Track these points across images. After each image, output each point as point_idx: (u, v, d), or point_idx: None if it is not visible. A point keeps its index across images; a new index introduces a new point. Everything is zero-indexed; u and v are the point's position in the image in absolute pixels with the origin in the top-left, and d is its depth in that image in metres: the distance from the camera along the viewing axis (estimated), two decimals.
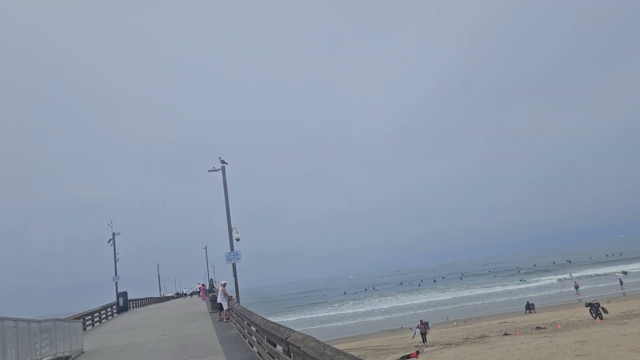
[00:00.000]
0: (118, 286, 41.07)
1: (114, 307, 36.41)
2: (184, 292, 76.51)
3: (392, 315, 57.61)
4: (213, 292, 33.83)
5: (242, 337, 15.80)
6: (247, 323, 14.02)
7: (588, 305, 32.00)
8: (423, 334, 29.47)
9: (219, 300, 20.75)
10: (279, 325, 9.49)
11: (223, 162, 20.79)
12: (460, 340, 28.34)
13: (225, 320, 20.51)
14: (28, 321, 11.39)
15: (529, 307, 43.34)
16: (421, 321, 30.59)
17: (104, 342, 17.98)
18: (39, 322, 12.14)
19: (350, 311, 69.93)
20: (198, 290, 57.01)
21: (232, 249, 20.54)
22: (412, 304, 69.52)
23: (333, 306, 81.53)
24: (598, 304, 31.20)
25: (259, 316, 12.17)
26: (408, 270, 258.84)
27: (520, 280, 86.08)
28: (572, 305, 44.05)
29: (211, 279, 48.07)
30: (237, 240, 20.58)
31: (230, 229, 20.52)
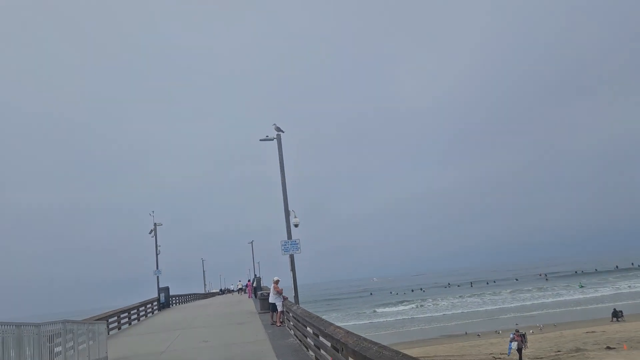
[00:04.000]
0: (160, 281, 38.58)
1: (155, 303, 33.77)
2: (230, 289, 74.00)
3: (454, 320, 53.06)
4: (261, 289, 30.57)
5: (304, 348, 12.24)
6: (315, 333, 10.42)
7: None
8: (520, 350, 23.68)
9: (271, 300, 17.25)
10: (375, 344, 5.87)
11: (279, 129, 17.26)
12: (553, 354, 23.84)
13: (279, 324, 17.00)
14: (18, 325, 8.08)
15: (617, 315, 37.98)
16: (517, 331, 24.93)
17: (134, 349, 14.77)
18: (37, 325, 8.83)
19: (406, 312, 65.71)
20: (244, 286, 54.19)
21: (289, 237, 16.98)
22: (467, 309, 64.66)
23: (393, 307, 77.35)
24: None
25: (336, 326, 8.53)
26: (447, 272, 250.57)
27: (580, 286, 78.91)
28: None
29: (257, 276, 44.98)
30: (296, 226, 17.02)
31: (287, 212, 16.96)
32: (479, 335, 37.90)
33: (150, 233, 38.39)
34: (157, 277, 38.28)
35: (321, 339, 9.96)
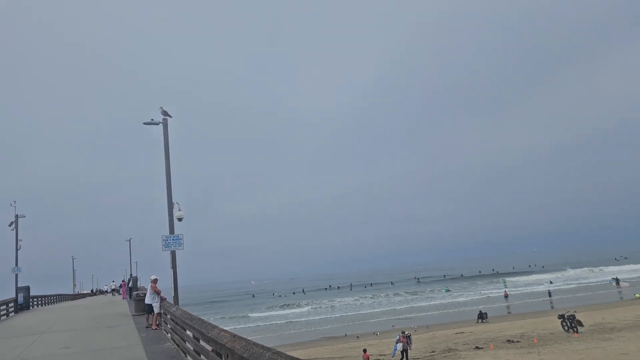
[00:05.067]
0: (20, 280, 34.41)
1: (11, 304, 29.81)
2: (104, 290, 68.54)
3: (336, 323, 53.81)
4: (138, 290, 28.29)
5: (181, 353, 11.09)
6: (196, 337, 9.38)
7: (561, 316, 29.53)
8: (405, 351, 23.93)
9: (147, 301, 15.70)
10: (268, 350, 5.14)
11: (165, 113, 15.77)
12: (428, 355, 24.76)
13: (155, 327, 15.52)
14: None
15: (482, 317, 40.91)
16: (403, 333, 25.47)
17: None
18: None
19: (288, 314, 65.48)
20: (118, 287, 50.35)
21: (171, 231, 15.57)
22: (346, 311, 66.29)
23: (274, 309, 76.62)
24: (574, 315, 28.76)
25: (221, 329, 7.61)
26: (322, 277, 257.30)
27: (446, 290, 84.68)
28: (525, 316, 42.19)
29: (133, 275, 41.90)
30: (180, 220, 15.66)
31: (170, 204, 15.52)
32: (358, 337, 38.65)
33: (10, 225, 34.09)
34: (16, 275, 34.09)
35: (202, 343, 8.99)
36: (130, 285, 35.35)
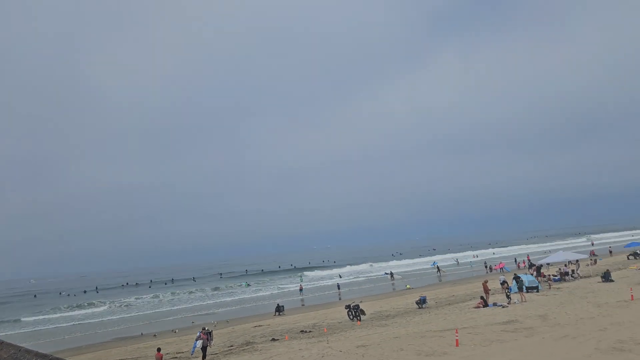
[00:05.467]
0: None
1: None
2: None
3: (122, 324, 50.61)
4: None
5: None
6: None
7: (347, 307, 32.45)
8: (204, 348, 22.89)
9: None
10: (45, 356, 4.60)
11: None
12: (226, 349, 24.94)
13: None
14: None
15: (279, 309, 42.77)
16: (203, 329, 24.47)
17: None
18: None
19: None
20: None
21: None
22: (145, 310, 63.28)
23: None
24: (358, 305, 31.85)
25: None
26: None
27: (246, 284, 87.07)
28: (316, 307, 45.35)
29: None
30: None
31: None
32: (155, 335, 37.06)
33: None
34: None
35: None
36: None
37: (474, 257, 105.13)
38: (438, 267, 77.48)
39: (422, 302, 34.14)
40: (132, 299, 74.72)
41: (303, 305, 51.18)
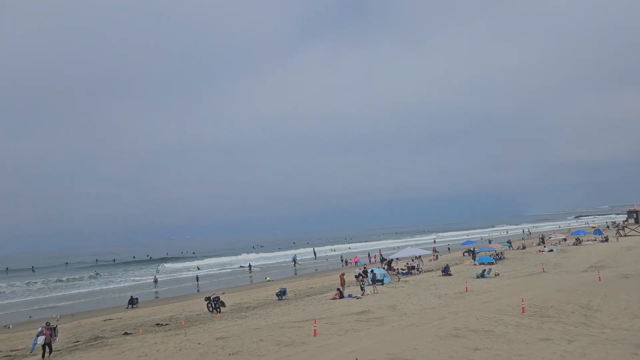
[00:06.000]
0: None
1: None
2: None
3: None
4: None
5: None
6: None
7: (207, 299, 31.84)
8: (48, 345, 20.37)
9: None
10: None
11: None
12: (71, 345, 22.99)
13: None
14: None
15: (132, 302, 40.57)
16: (47, 324, 21.72)
17: None
18: None
19: None
20: None
21: None
22: None
23: None
24: (218, 297, 31.40)
25: None
26: None
27: (96, 274, 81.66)
28: (173, 300, 43.90)
29: None
30: None
31: None
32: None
33: None
34: None
35: None
36: None
37: (331, 250, 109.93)
38: (295, 260, 79.61)
39: (282, 294, 34.85)
40: None
41: (157, 297, 49.12)
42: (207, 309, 31.40)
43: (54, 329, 21.60)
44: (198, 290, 52.41)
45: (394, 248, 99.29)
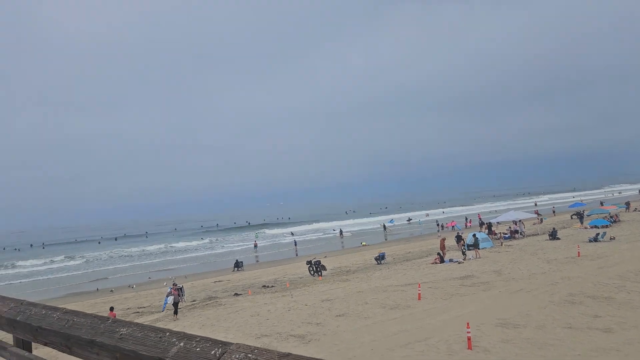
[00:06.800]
0: None
1: None
2: None
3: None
4: None
5: None
6: None
7: (308, 262, 32.91)
8: (176, 304, 22.23)
9: None
10: (55, 309, 4.36)
11: None
12: (189, 304, 24.92)
13: None
14: None
15: (238, 265, 42.90)
16: (174, 285, 23.79)
17: None
18: None
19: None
20: None
21: None
22: (98, 266, 62.30)
23: None
24: (319, 261, 32.34)
25: None
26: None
27: (201, 239, 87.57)
28: (274, 264, 45.79)
29: None
30: None
31: None
32: (112, 291, 36.61)
33: None
34: None
35: None
36: None
37: (425, 215, 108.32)
38: (384, 225, 79.42)
39: (380, 258, 35.07)
40: (82, 255, 72.98)
41: (258, 261, 51.50)
42: (308, 273, 32.42)
43: (181, 289, 23.47)
44: (296, 255, 54.19)
45: (491, 212, 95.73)
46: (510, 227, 45.57)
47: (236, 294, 26.77)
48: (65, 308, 4.18)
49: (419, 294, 20.12)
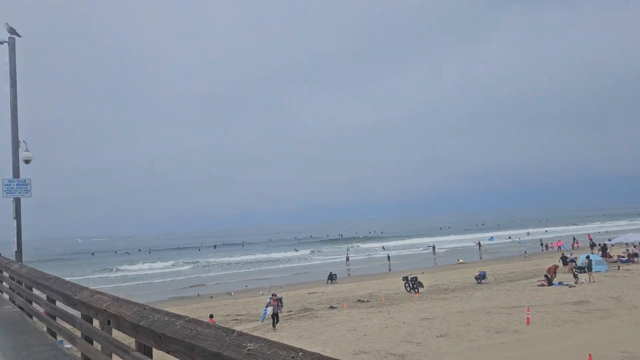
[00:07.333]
0: None
1: None
2: None
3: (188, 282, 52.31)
4: None
5: (27, 317, 9.45)
6: (51, 299, 7.98)
7: (404, 278, 32.06)
8: (275, 315, 22.24)
9: None
10: (178, 317, 4.32)
11: (13, 31, 12.98)
12: (285, 314, 25.14)
13: None
14: None
15: (332, 278, 42.91)
16: (274, 295, 24.10)
17: None
18: None
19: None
20: None
21: (16, 175, 13.17)
22: (199, 272, 65.29)
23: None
24: (416, 277, 31.43)
25: (93, 290, 6.40)
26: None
27: (295, 250, 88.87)
28: (367, 278, 45.23)
29: None
30: (27, 162, 13.30)
31: (16, 143, 13.01)
32: (211, 297, 38.07)
33: None
34: None
35: (59, 305, 7.68)
36: None
37: (527, 234, 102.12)
38: (479, 243, 75.78)
39: (481, 277, 33.29)
40: (185, 261, 77.12)
41: (349, 275, 51.20)
42: (404, 289, 31.55)
43: (280, 300, 23.60)
44: (390, 270, 53.22)
45: (602, 233, 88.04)
46: (628, 250, 41.39)
47: (331, 307, 26.61)
48: (187, 317, 4.13)
49: (528, 317, 18.68)
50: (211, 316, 23.66)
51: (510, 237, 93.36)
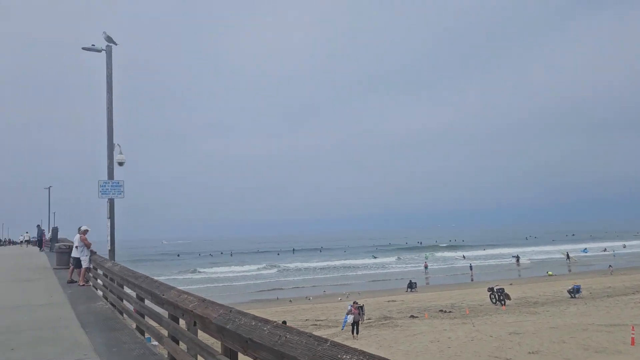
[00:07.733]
0: None
1: None
2: (22, 240, 61.62)
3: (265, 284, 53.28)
4: (58, 241, 25.96)
5: (118, 314, 9.81)
6: (140, 297, 8.17)
7: (490, 289, 30.52)
8: (356, 323, 21.72)
9: (75, 254, 14.11)
10: (266, 322, 4.07)
11: (110, 39, 13.82)
12: (365, 323, 24.68)
13: (82, 283, 13.99)
14: None
15: (411, 286, 41.87)
16: (355, 303, 23.24)
17: None
18: None
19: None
20: (34, 238, 46.74)
21: (111, 177, 13.93)
22: (277, 277, 66.22)
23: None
24: (503, 289, 29.80)
25: (180, 290, 6.37)
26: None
27: (373, 257, 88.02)
28: (448, 287, 43.64)
29: (53, 226, 38.86)
30: (120, 165, 14.04)
31: (111, 146, 13.78)
32: (290, 301, 38.38)
33: None
34: None
35: (147, 304, 7.82)
36: (50, 236, 32.73)
37: (623, 247, 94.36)
38: (567, 255, 70.82)
39: (575, 291, 30.88)
40: (265, 265, 78.74)
41: (428, 283, 49.73)
42: (489, 300, 30.00)
43: (361, 308, 23.10)
44: (472, 280, 51.12)
45: None
46: None
47: (412, 316, 25.80)
48: (275, 322, 3.89)
49: (632, 337, 16.93)
50: (284, 322, 23.68)
51: (605, 249, 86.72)
